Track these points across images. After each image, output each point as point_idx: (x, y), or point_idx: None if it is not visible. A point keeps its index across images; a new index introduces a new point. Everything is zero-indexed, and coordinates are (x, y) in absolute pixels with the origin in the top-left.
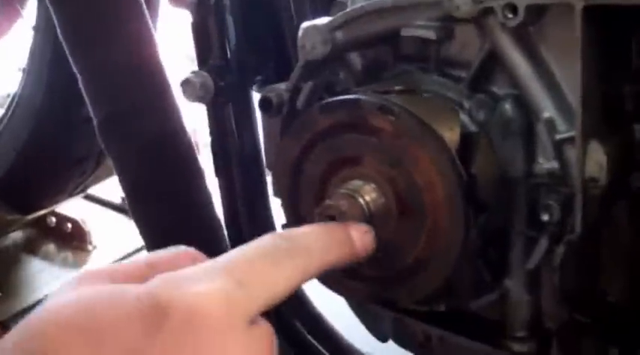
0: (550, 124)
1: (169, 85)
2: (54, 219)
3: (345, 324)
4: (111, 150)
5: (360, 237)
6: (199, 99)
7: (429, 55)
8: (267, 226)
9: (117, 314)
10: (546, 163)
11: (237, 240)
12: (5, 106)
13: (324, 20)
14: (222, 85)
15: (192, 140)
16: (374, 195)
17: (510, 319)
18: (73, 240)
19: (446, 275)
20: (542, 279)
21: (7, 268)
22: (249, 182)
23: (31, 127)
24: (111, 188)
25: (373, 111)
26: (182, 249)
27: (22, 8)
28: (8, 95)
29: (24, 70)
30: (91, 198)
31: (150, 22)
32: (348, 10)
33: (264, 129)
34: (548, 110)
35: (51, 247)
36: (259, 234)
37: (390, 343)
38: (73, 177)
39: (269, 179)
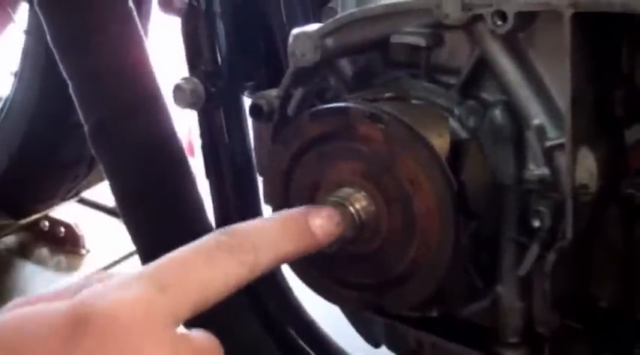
0: (540, 131)
1: (160, 89)
2: (47, 223)
3: (338, 329)
4: (101, 155)
5: (321, 224)
6: (190, 105)
7: (419, 62)
8: None
9: (39, 328)
10: (537, 170)
11: None
12: None
13: (314, 27)
14: (214, 91)
15: (187, 140)
16: (364, 203)
17: (502, 325)
18: (66, 244)
19: (436, 283)
20: (533, 285)
21: (0, 273)
22: (241, 188)
23: (24, 132)
24: (104, 192)
25: (362, 120)
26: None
27: (13, 12)
28: (0, 99)
29: (16, 74)
30: (84, 202)
31: (139, 26)
32: (338, 16)
33: (255, 135)
34: (538, 117)
35: (44, 251)
36: None
37: (383, 348)
38: (66, 182)
39: (261, 185)
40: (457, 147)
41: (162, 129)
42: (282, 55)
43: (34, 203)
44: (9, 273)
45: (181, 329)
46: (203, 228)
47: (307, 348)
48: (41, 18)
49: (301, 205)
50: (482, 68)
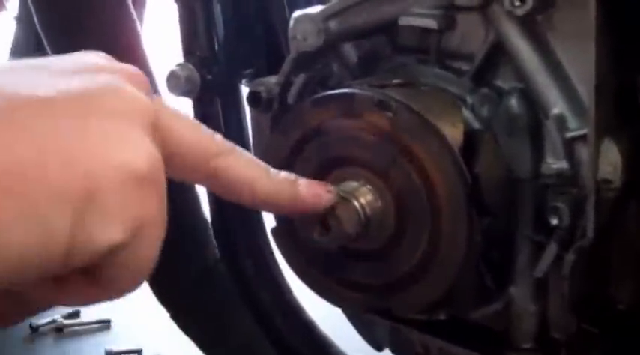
0: (560, 121)
1: (152, 76)
2: None
3: (338, 331)
4: None
5: (307, 185)
6: (185, 93)
7: (429, 46)
8: (257, 227)
9: None
10: (555, 163)
11: (226, 242)
12: None
13: (316, 9)
14: (210, 78)
15: None
16: (370, 197)
17: (515, 329)
18: None
19: (448, 284)
20: (549, 287)
21: None
22: None
23: None
24: None
25: (370, 107)
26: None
27: (5, 0)
28: None
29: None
30: None
31: (132, 10)
32: None
33: (254, 124)
34: (557, 105)
35: None
36: (248, 237)
37: (386, 351)
38: None
39: None
40: (470, 139)
41: None
42: (282, 40)
43: None
44: None
45: None
46: (198, 223)
47: (306, 350)
48: (30, 3)
49: None
50: (498, 53)
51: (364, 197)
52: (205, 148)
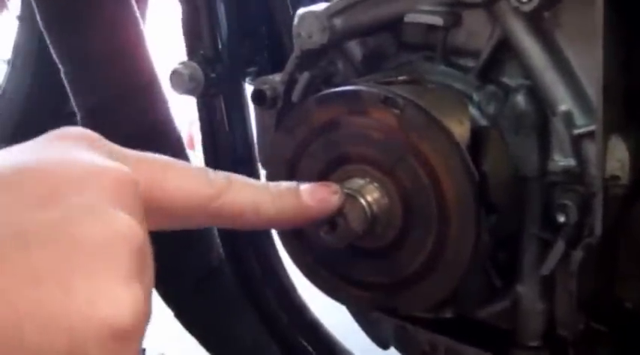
0: (567, 118)
1: (156, 75)
2: None
3: (343, 329)
4: None
5: (312, 190)
6: (188, 91)
7: (434, 43)
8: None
9: None
10: (563, 160)
11: (230, 241)
12: None
13: (321, 6)
14: (213, 76)
15: (188, 132)
16: (376, 195)
17: (522, 327)
18: None
19: (455, 282)
20: (556, 285)
21: None
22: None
23: (17, 121)
24: None
25: (376, 104)
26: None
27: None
28: None
29: (9, 62)
30: None
31: (135, 7)
32: None
33: (258, 123)
34: (564, 102)
35: None
36: (252, 235)
37: (392, 350)
38: None
39: (263, 177)
40: (477, 136)
41: (159, 115)
42: (286, 38)
43: None
44: None
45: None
46: None
47: (310, 349)
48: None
49: None
50: (504, 50)
51: (371, 194)
52: (203, 197)
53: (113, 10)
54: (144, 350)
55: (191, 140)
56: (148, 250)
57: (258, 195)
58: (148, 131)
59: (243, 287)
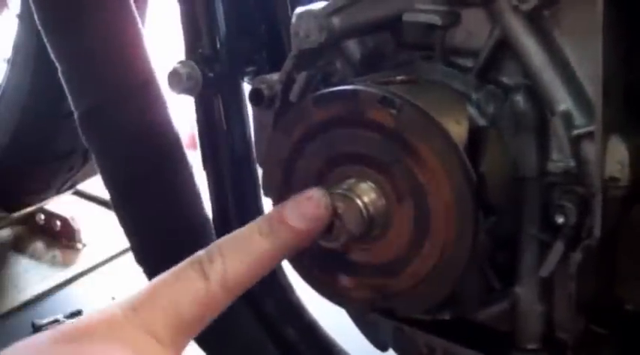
0: (566, 118)
1: (154, 74)
2: (42, 217)
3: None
4: (92, 144)
5: (298, 213)
6: (186, 90)
7: (433, 43)
8: None
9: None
10: (562, 161)
11: None
12: None
13: (319, 5)
14: (211, 75)
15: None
16: (373, 195)
17: (521, 330)
18: (62, 238)
19: (452, 284)
20: (555, 287)
21: None
22: (240, 179)
23: (16, 121)
24: (102, 184)
25: (373, 104)
26: None
27: None
28: None
29: (9, 60)
30: (81, 195)
31: (133, 6)
32: None
33: (256, 123)
34: (564, 102)
35: (39, 245)
36: None
37: (390, 352)
38: (60, 173)
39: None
40: (475, 136)
41: (157, 116)
42: (285, 37)
43: (28, 195)
44: (3, 268)
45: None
46: (199, 221)
47: (309, 351)
48: None
49: None
50: (503, 49)
51: (367, 195)
52: (208, 297)
53: (111, 9)
54: None
55: (193, 140)
56: None
57: (252, 249)
58: (146, 131)
59: None
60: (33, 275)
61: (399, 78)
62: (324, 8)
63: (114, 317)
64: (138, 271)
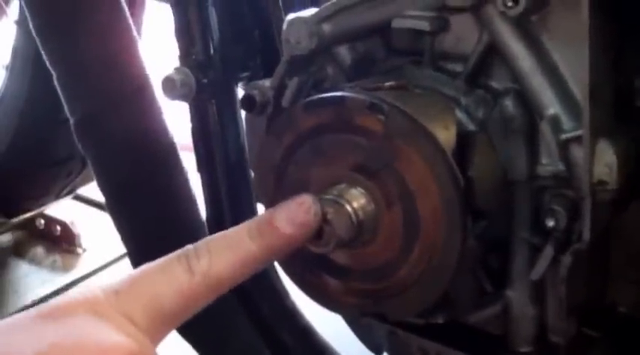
0: (555, 122)
1: (149, 80)
2: (42, 222)
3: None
4: (87, 150)
5: (287, 217)
6: (180, 97)
7: (422, 48)
8: None
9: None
10: (551, 165)
11: None
12: None
13: (310, 12)
14: (205, 81)
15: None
16: (363, 201)
17: (513, 333)
18: (62, 242)
19: (441, 289)
20: (547, 290)
21: None
22: (234, 184)
23: (15, 126)
24: None
25: (361, 110)
26: None
27: (6, 5)
28: None
29: (7, 67)
30: (81, 199)
31: (127, 13)
32: (335, 0)
33: (248, 128)
34: (552, 106)
35: (39, 250)
36: None
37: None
38: (59, 179)
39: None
40: (464, 141)
41: (152, 122)
42: (279, 43)
43: (27, 200)
44: (3, 272)
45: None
46: (195, 225)
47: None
48: (23, 4)
49: None
50: (492, 54)
51: (357, 201)
52: (192, 288)
53: (105, 15)
54: None
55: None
56: None
57: (240, 250)
58: (141, 137)
59: (236, 292)
60: (33, 280)
61: (387, 84)
62: (314, 15)
63: (95, 297)
64: None
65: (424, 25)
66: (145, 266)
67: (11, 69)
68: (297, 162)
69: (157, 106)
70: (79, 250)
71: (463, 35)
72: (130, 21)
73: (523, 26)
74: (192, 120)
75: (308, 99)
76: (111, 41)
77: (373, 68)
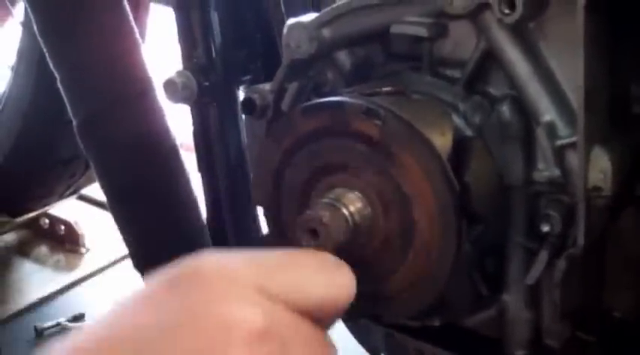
0: (550, 128)
1: (151, 82)
2: (47, 221)
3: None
4: (90, 152)
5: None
6: (182, 100)
7: (421, 54)
8: (252, 229)
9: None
10: (547, 170)
11: (222, 245)
12: None
13: (310, 17)
14: (207, 84)
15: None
16: (359, 205)
17: (508, 336)
18: (65, 242)
19: (436, 293)
20: (542, 294)
21: None
22: (234, 187)
23: (19, 127)
24: None
25: (358, 115)
26: None
27: (12, 7)
28: None
29: (12, 68)
30: (85, 199)
31: (130, 16)
32: (335, 5)
33: (248, 131)
34: (548, 113)
35: (43, 249)
36: (245, 241)
37: None
38: (63, 179)
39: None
40: (461, 146)
41: (154, 124)
42: (280, 47)
43: (31, 200)
44: (7, 271)
45: None
46: (196, 228)
47: None
48: (27, 7)
49: (292, 207)
50: (489, 61)
51: (353, 204)
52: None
53: (108, 18)
54: None
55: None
56: None
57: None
58: (143, 140)
59: None
60: (37, 279)
61: (385, 89)
62: (314, 20)
63: (231, 267)
64: None
65: (422, 32)
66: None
67: (16, 70)
68: (296, 165)
69: (160, 109)
70: (83, 250)
71: (461, 41)
72: (133, 24)
73: (520, 33)
74: (194, 122)
75: (306, 103)
76: (114, 44)
77: (372, 73)
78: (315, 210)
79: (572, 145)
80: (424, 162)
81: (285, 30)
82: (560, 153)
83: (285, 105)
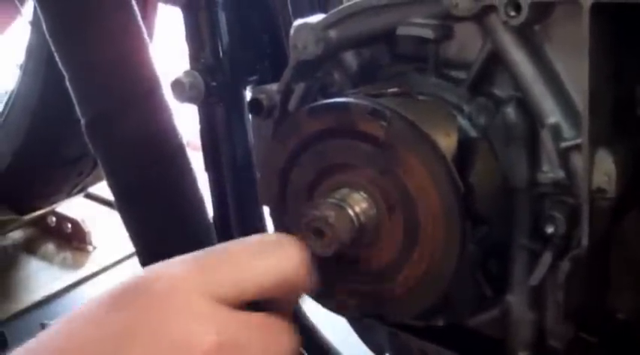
0: (555, 130)
1: (159, 82)
2: (54, 219)
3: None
4: (98, 150)
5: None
6: (190, 99)
7: (426, 56)
8: (259, 232)
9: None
10: (551, 172)
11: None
12: (2, 104)
13: (317, 18)
14: (214, 84)
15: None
16: (364, 205)
17: (512, 337)
18: (72, 240)
19: (439, 293)
20: (546, 296)
21: (5, 268)
22: (240, 186)
23: (27, 126)
24: None
25: (363, 116)
26: None
27: (21, 5)
28: (6, 92)
29: (21, 66)
30: (92, 197)
31: (138, 16)
32: (342, 6)
33: (255, 132)
34: (553, 115)
35: (50, 247)
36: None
37: None
38: (71, 178)
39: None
40: (466, 147)
41: (161, 123)
42: (287, 48)
43: (39, 198)
44: (14, 269)
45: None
46: (203, 225)
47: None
48: (37, 6)
49: (298, 207)
50: (495, 62)
51: (358, 205)
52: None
53: (116, 18)
54: None
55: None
56: None
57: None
58: (150, 139)
59: None
60: (44, 277)
61: (391, 90)
62: (321, 21)
63: (181, 277)
64: None
65: (428, 33)
66: (233, 245)
67: (25, 69)
68: (301, 166)
69: (167, 108)
70: (90, 248)
71: (467, 43)
72: (141, 24)
73: (525, 35)
74: (201, 122)
75: (312, 104)
76: (122, 43)
77: (378, 74)
78: (321, 210)
79: (577, 147)
80: (429, 163)
81: (292, 31)
82: (564, 155)
83: (291, 105)
